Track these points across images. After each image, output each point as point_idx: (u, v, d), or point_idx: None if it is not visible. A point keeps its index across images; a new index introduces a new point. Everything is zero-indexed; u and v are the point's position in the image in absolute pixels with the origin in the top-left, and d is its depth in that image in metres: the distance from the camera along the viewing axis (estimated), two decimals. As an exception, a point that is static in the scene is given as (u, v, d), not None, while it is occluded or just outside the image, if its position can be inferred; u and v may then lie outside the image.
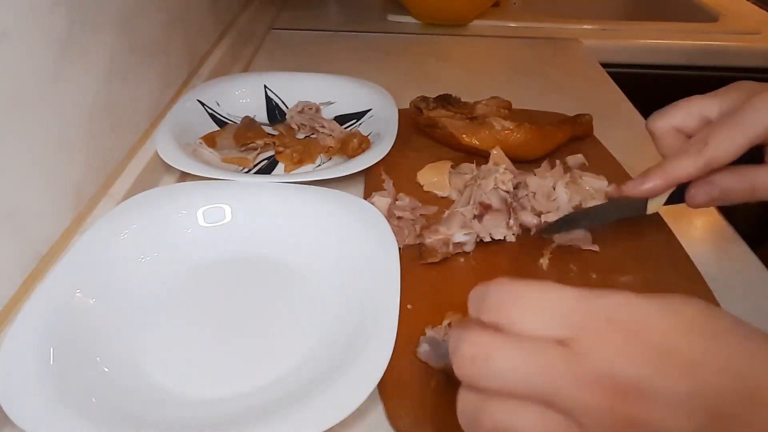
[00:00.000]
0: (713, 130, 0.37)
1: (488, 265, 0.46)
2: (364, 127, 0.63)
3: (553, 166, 0.54)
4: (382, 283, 0.40)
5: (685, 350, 0.22)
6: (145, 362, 0.37)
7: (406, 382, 0.36)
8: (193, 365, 0.38)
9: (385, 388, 0.35)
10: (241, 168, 0.57)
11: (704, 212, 0.54)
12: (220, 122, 0.63)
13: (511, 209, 0.47)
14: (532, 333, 0.23)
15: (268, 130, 0.63)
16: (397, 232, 0.46)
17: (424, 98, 0.61)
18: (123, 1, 0.52)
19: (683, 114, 0.40)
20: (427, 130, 0.60)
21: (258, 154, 0.59)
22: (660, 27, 0.97)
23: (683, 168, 0.38)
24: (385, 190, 0.52)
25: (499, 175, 0.47)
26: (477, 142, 0.56)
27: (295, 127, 0.64)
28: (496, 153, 0.54)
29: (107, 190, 0.49)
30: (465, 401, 0.24)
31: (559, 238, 0.47)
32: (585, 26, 0.98)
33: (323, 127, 0.63)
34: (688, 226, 0.53)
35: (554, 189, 0.50)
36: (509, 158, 0.54)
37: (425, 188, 0.54)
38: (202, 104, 0.63)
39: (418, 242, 0.46)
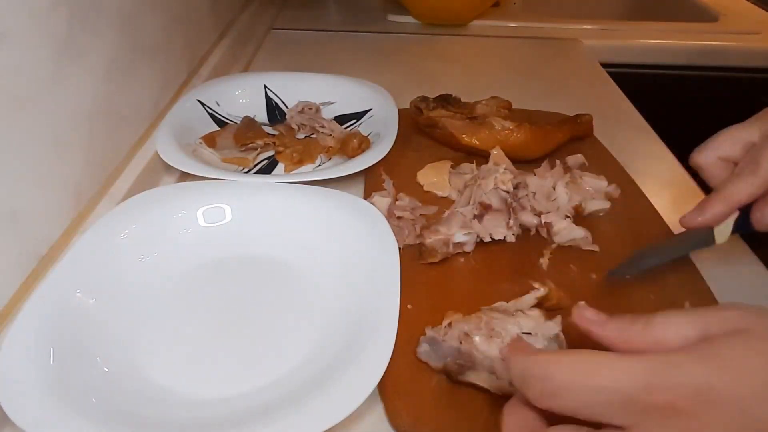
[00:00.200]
0: (763, 149, 0.39)
1: (488, 265, 0.46)
2: (364, 127, 0.63)
3: (553, 166, 0.54)
4: (382, 283, 0.40)
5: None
6: (145, 362, 0.37)
7: (406, 382, 0.36)
8: (193, 365, 0.38)
9: (385, 388, 0.35)
10: (241, 168, 0.57)
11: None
12: (220, 122, 0.63)
13: (511, 209, 0.47)
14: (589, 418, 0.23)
15: (268, 130, 0.63)
16: (397, 232, 0.46)
17: (424, 98, 0.61)
18: (123, 2, 0.52)
19: (727, 143, 0.42)
20: (427, 130, 0.60)
21: (258, 154, 0.59)
22: (660, 27, 0.97)
23: (741, 190, 0.39)
24: (385, 190, 0.52)
25: (499, 175, 0.47)
26: (477, 142, 0.56)
27: (295, 127, 0.64)
28: (496, 153, 0.54)
29: (107, 190, 0.49)
30: None
31: (560, 239, 0.47)
32: (585, 26, 0.98)
33: (323, 127, 0.63)
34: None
35: (554, 189, 0.50)
36: (509, 158, 0.54)
37: (425, 188, 0.54)
38: (202, 104, 0.63)
39: (418, 242, 0.46)
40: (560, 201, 0.49)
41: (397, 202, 0.50)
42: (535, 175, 0.52)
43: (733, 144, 0.41)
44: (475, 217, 0.46)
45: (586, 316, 0.27)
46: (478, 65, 0.86)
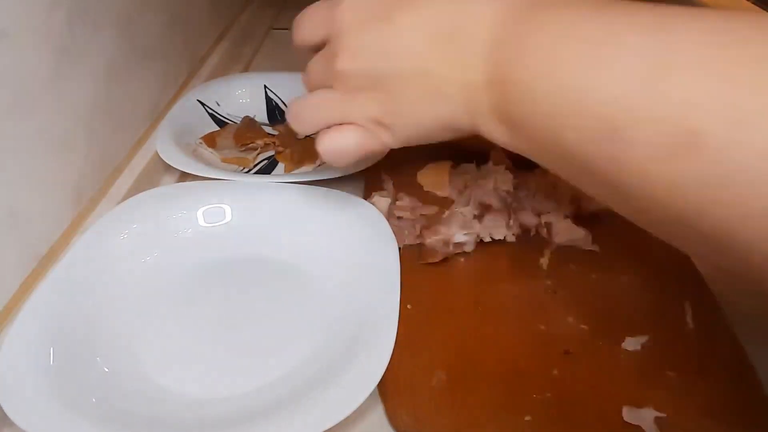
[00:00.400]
0: None
1: (488, 265, 0.46)
2: (364, 127, 0.63)
3: (553, 166, 0.54)
4: (382, 283, 0.40)
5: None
6: (145, 362, 0.37)
7: (406, 382, 0.36)
8: (193, 365, 0.38)
9: (385, 388, 0.35)
10: (241, 168, 0.57)
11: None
12: (220, 122, 0.63)
13: (511, 209, 0.47)
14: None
15: (268, 130, 0.63)
16: (397, 232, 0.46)
17: (424, 98, 0.61)
18: (123, 2, 0.52)
19: None
20: (427, 130, 0.60)
21: (258, 154, 0.59)
22: (660, 27, 0.97)
23: None
24: (385, 190, 0.52)
25: (499, 175, 0.47)
26: (477, 142, 0.56)
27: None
28: (496, 153, 0.54)
29: (107, 190, 0.49)
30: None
31: (560, 239, 0.47)
32: (585, 26, 0.98)
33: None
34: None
35: (555, 188, 0.50)
36: (509, 158, 0.54)
37: (425, 188, 0.54)
38: (202, 104, 0.63)
39: (418, 242, 0.46)
40: (561, 200, 0.49)
41: (397, 202, 0.50)
42: (535, 175, 0.52)
43: None
44: (475, 217, 0.46)
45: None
46: (478, 65, 0.86)
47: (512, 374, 0.36)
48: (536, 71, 0.28)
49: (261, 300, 0.43)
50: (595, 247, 0.47)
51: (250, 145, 0.59)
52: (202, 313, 0.41)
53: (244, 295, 0.43)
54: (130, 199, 0.47)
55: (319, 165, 0.58)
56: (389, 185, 0.53)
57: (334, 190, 0.49)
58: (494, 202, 0.46)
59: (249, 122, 0.63)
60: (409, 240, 0.47)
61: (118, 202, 0.48)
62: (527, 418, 0.34)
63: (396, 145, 0.38)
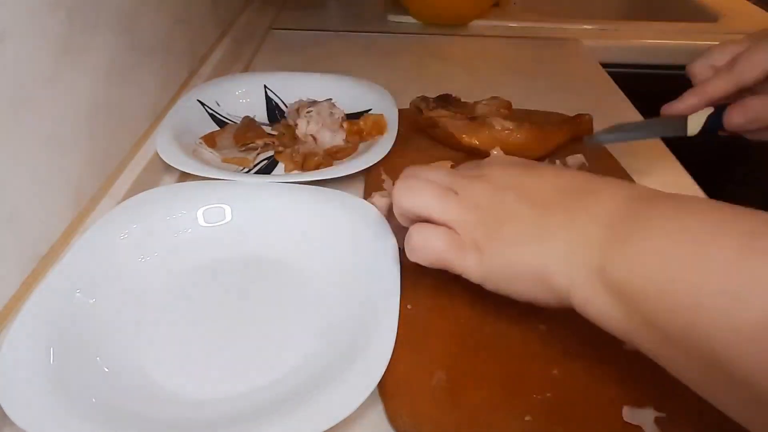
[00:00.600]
0: (742, 53, 0.44)
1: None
2: (364, 127, 0.63)
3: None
4: (382, 283, 0.40)
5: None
6: (146, 362, 0.37)
7: (406, 382, 0.36)
8: (193, 365, 0.38)
9: (385, 388, 0.35)
10: (241, 168, 0.57)
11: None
12: (220, 122, 0.63)
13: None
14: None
15: (268, 130, 0.63)
16: (397, 232, 0.46)
17: (424, 98, 0.61)
18: (123, 2, 0.52)
19: (718, 53, 0.47)
20: (427, 130, 0.60)
21: (258, 154, 0.59)
22: (660, 27, 0.97)
23: (716, 85, 0.44)
24: (385, 190, 0.52)
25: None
26: (477, 142, 0.56)
27: (295, 125, 0.64)
28: (496, 153, 0.54)
29: (107, 190, 0.49)
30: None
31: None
32: (585, 26, 0.98)
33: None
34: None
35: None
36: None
37: (425, 188, 0.54)
38: (202, 104, 0.63)
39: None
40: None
41: (397, 202, 0.50)
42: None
43: (723, 54, 0.46)
44: None
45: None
46: (478, 65, 0.86)
47: (512, 374, 0.36)
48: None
49: (261, 300, 0.43)
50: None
51: (250, 145, 0.59)
52: (202, 313, 0.41)
53: (244, 294, 0.43)
54: (130, 199, 0.47)
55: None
56: (389, 185, 0.53)
57: (334, 190, 0.49)
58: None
59: (249, 122, 0.63)
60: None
61: (118, 202, 0.48)
62: (527, 418, 0.34)
63: (475, 274, 0.35)
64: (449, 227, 0.36)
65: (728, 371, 0.24)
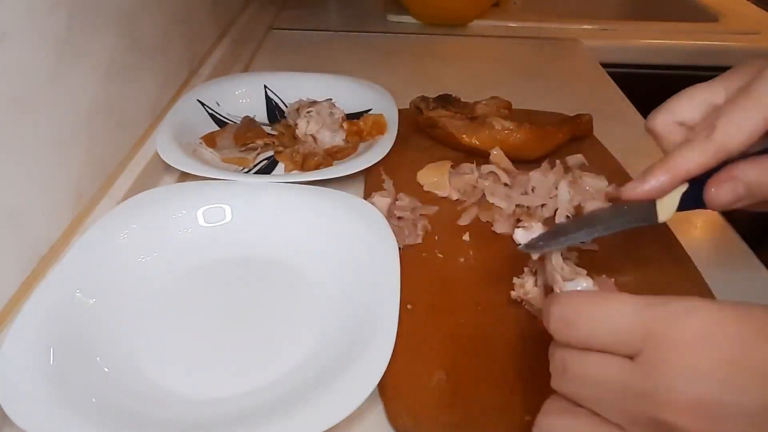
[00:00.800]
0: (722, 112, 0.32)
1: (488, 265, 0.46)
2: (364, 127, 0.63)
3: (553, 166, 0.54)
4: (382, 283, 0.40)
5: (758, 360, 0.22)
6: (145, 362, 0.37)
7: (406, 382, 0.36)
8: (193, 365, 0.38)
9: (385, 388, 0.35)
10: (241, 168, 0.57)
11: (704, 212, 0.54)
12: (220, 122, 0.63)
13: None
14: (601, 347, 0.25)
15: (268, 130, 0.63)
16: (397, 232, 0.46)
17: (424, 98, 0.61)
18: (123, 2, 0.52)
19: (686, 105, 0.35)
20: (427, 130, 0.60)
21: (258, 154, 0.59)
22: (660, 27, 0.97)
23: (690, 158, 0.32)
24: (385, 190, 0.52)
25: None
26: (477, 142, 0.56)
27: (295, 125, 0.64)
28: (496, 153, 0.54)
29: (107, 190, 0.49)
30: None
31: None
32: (585, 26, 0.98)
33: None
34: (688, 225, 0.53)
35: (556, 188, 0.50)
36: (509, 158, 0.54)
37: (425, 188, 0.54)
38: (202, 104, 0.63)
39: (419, 242, 0.46)
40: (562, 199, 0.49)
41: (397, 202, 0.50)
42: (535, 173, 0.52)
43: (693, 107, 0.34)
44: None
45: None
46: (478, 65, 0.86)
47: (512, 374, 0.36)
48: None
49: (261, 300, 0.43)
50: (595, 247, 0.47)
51: (250, 145, 0.59)
52: (202, 313, 0.41)
53: (244, 294, 0.43)
54: (130, 199, 0.47)
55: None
56: (389, 185, 0.53)
57: (334, 190, 0.49)
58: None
59: (249, 122, 0.63)
60: (410, 240, 0.47)
61: (118, 202, 0.48)
62: (527, 418, 0.34)
63: None
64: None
65: None
